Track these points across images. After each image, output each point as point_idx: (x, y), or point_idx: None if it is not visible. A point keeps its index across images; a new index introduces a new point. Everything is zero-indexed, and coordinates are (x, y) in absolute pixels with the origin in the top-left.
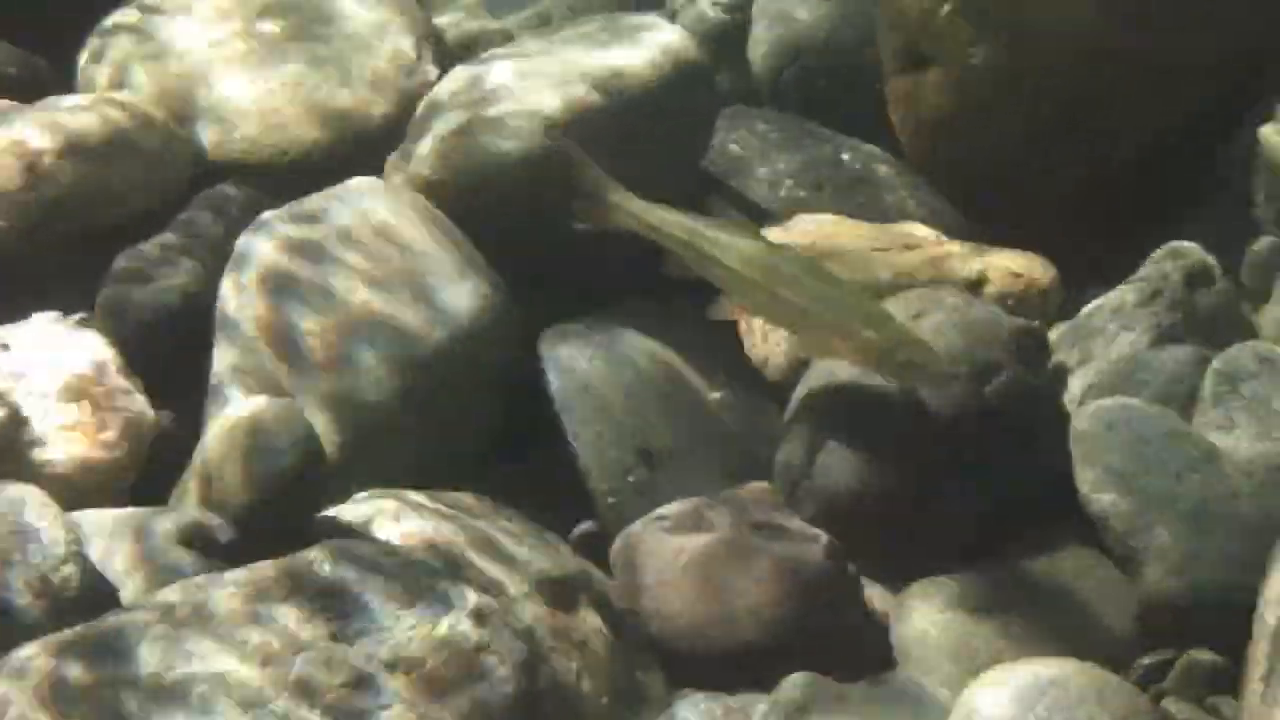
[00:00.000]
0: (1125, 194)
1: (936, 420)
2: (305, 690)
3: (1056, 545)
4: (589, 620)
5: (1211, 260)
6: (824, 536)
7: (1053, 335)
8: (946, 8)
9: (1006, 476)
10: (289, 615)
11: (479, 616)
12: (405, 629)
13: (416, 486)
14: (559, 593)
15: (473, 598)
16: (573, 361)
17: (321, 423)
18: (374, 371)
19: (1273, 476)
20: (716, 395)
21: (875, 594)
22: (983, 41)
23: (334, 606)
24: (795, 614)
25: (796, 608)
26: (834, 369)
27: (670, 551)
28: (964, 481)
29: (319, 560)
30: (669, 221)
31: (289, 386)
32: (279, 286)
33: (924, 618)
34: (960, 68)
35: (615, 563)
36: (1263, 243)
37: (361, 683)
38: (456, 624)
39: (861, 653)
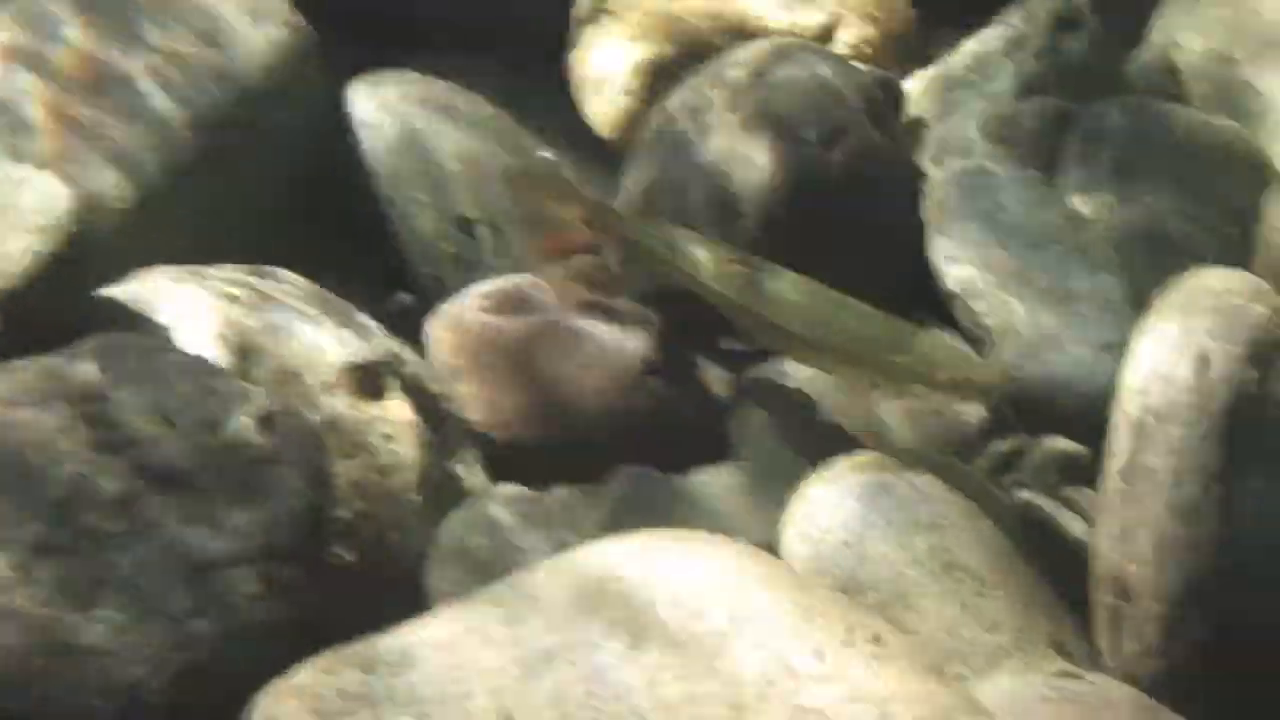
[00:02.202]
0: None
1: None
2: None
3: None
4: (399, 410)
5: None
6: (657, 318)
7: (910, 85)
8: None
9: (854, 246)
10: (47, 424)
11: (266, 421)
12: (180, 437)
13: (207, 260)
14: (366, 380)
15: (261, 400)
16: (385, 114)
17: (102, 184)
18: (163, 124)
19: (1140, 248)
20: (547, 155)
21: (714, 377)
22: None
23: (99, 413)
24: (622, 403)
25: (624, 396)
26: None
27: (490, 333)
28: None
29: (83, 358)
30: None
31: (60, 144)
32: None
33: (765, 405)
34: None
35: (429, 342)
36: None
37: (129, 501)
38: (240, 431)
39: (697, 443)
